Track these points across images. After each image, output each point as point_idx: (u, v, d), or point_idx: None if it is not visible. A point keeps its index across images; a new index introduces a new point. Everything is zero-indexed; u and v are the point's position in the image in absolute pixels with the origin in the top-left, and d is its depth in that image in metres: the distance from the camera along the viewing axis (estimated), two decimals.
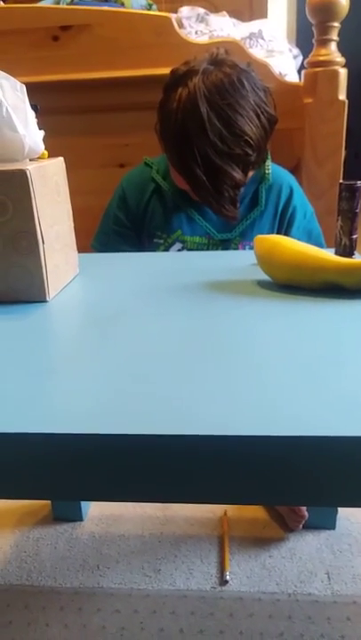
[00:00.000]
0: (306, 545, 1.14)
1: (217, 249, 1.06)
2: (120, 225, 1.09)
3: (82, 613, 1.01)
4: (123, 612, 1.01)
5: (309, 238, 1.08)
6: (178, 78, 0.92)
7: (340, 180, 0.74)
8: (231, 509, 1.24)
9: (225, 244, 1.06)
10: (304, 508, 1.13)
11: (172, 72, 0.94)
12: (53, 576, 1.09)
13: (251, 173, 1.00)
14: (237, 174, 0.93)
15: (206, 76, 0.90)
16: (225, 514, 1.22)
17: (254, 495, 0.39)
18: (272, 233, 1.07)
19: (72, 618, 1.00)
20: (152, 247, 1.08)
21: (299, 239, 0.88)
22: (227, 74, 0.90)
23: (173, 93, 0.92)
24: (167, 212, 1.06)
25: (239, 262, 0.78)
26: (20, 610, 1.02)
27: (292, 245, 0.66)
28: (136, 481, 0.38)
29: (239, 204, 1.03)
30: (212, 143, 0.89)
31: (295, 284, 0.65)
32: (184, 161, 0.93)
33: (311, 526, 1.16)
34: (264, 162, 1.03)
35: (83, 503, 1.23)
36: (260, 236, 0.70)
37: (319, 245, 1.07)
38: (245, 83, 0.90)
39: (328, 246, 1.06)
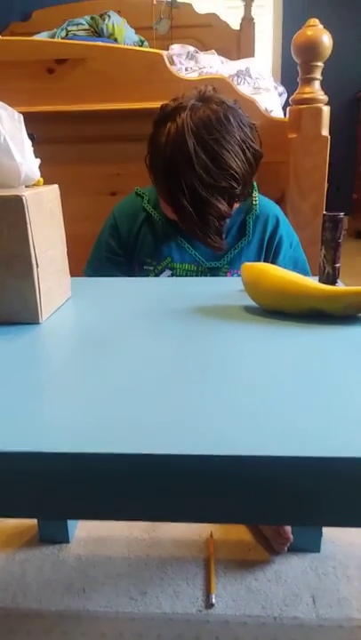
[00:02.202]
0: (291, 568, 1.15)
1: (205, 277, 1.09)
2: (112, 252, 1.13)
3: (67, 637, 1.00)
4: (108, 636, 1.00)
5: (295, 267, 1.12)
6: (167, 114, 0.96)
7: (324, 212, 0.77)
8: (217, 532, 1.24)
9: (213, 272, 1.09)
10: (289, 531, 1.14)
11: (162, 108, 0.99)
12: (39, 599, 1.08)
13: (236, 205, 1.03)
14: (222, 206, 0.96)
15: (194, 111, 0.94)
16: (211, 536, 1.22)
17: (240, 514, 0.40)
18: (259, 261, 1.10)
19: None
20: (142, 274, 1.11)
21: (285, 267, 0.91)
22: (214, 110, 0.94)
23: (163, 128, 0.96)
24: (157, 241, 1.09)
25: (227, 288, 0.81)
26: (4, 634, 1.01)
27: (277, 273, 0.69)
28: (126, 500, 0.39)
29: (226, 235, 1.07)
30: (199, 176, 0.92)
31: (281, 309, 0.68)
32: (172, 192, 0.96)
33: (296, 549, 1.17)
34: (250, 194, 1.07)
35: (69, 525, 1.23)
36: (247, 263, 0.73)
37: (305, 272, 1.11)
38: (231, 119, 0.94)
39: (312, 275, 1.10)
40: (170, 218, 1.05)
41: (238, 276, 1.07)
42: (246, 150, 0.96)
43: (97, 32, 2.19)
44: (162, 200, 1.03)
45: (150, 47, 2.27)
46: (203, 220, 0.96)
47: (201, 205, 0.95)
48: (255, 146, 0.98)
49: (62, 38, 2.12)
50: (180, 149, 0.92)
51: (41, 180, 0.75)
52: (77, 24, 2.19)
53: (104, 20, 2.18)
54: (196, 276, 1.09)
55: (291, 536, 1.14)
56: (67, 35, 2.17)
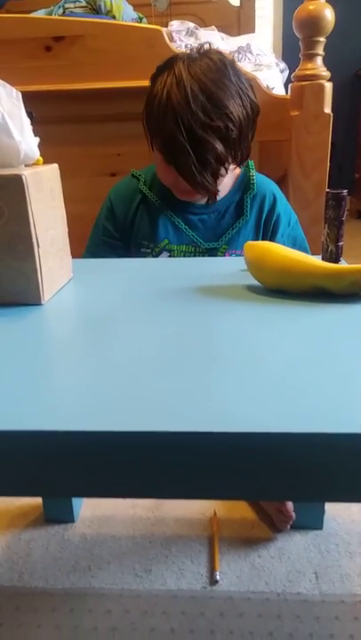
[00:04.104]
0: (294, 545, 1.16)
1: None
2: (109, 236, 1.12)
3: (73, 614, 1.02)
4: (114, 613, 1.02)
5: (294, 245, 1.11)
6: (163, 66, 0.96)
7: (327, 190, 0.76)
8: (220, 510, 1.26)
9: (211, 253, 1.09)
10: (291, 509, 1.15)
11: (157, 66, 0.99)
12: (45, 577, 1.10)
13: (235, 166, 1.01)
14: (219, 146, 0.94)
15: (192, 59, 0.94)
16: (215, 514, 1.24)
17: (245, 491, 0.40)
18: (257, 240, 1.10)
19: (64, 619, 1.01)
20: (140, 256, 1.10)
21: (284, 245, 0.90)
22: (212, 59, 0.94)
23: (160, 78, 0.95)
24: (154, 223, 1.09)
25: (229, 268, 0.81)
26: (12, 611, 1.03)
27: (281, 252, 0.68)
28: (131, 477, 0.39)
29: (223, 215, 1.06)
30: (195, 114, 0.91)
31: (284, 288, 0.67)
32: (168, 133, 0.94)
33: (299, 526, 1.18)
34: (248, 156, 1.04)
35: (74, 504, 1.24)
36: (250, 242, 0.72)
37: (304, 251, 1.10)
38: (229, 68, 0.94)
39: (313, 253, 1.09)
40: (166, 193, 1.05)
41: (237, 256, 1.06)
42: (243, 97, 0.95)
43: (94, 9, 2.14)
44: (158, 163, 1.02)
45: (149, 24, 2.23)
46: (200, 160, 0.94)
47: (198, 144, 0.93)
48: (252, 97, 0.97)
49: (59, 15, 2.09)
50: (177, 90, 0.92)
51: (40, 159, 0.74)
52: (75, 1, 2.15)
53: None
54: (194, 257, 1.09)
55: (293, 514, 1.15)
56: (64, 12, 2.13)
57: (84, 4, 2.12)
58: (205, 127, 0.92)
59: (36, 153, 0.72)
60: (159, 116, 0.95)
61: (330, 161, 1.23)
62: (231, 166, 1.00)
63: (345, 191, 0.75)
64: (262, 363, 0.48)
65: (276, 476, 0.38)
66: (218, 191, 1.02)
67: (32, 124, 0.73)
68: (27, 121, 0.71)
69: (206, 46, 0.98)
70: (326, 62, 1.21)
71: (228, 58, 0.97)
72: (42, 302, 0.67)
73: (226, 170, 0.99)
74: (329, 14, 1.14)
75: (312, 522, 1.19)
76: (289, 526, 1.17)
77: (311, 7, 1.14)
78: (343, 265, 0.65)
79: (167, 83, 0.93)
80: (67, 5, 2.12)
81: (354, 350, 0.50)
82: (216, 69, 0.92)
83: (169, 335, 0.55)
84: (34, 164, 0.73)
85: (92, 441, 0.39)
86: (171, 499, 0.41)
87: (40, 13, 2.11)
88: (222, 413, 0.39)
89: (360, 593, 1.04)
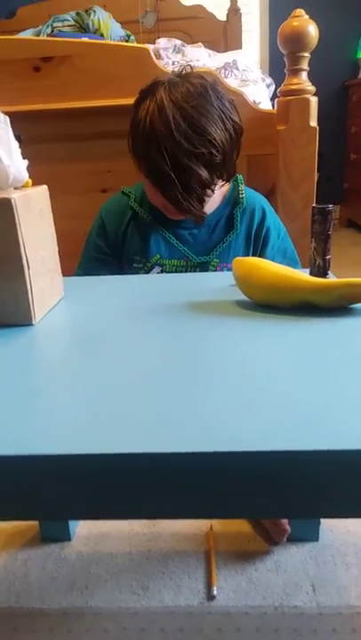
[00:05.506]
0: (290, 557, 1.16)
1: (195, 271, 1.09)
2: (100, 252, 1.13)
3: (71, 634, 1.01)
4: (112, 631, 1.01)
5: (284, 257, 1.12)
6: (145, 92, 0.97)
7: (313, 204, 0.77)
8: (217, 524, 1.25)
9: (203, 267, 1.09)
10: (285, 522, 1.15)
11: (140, 91, 0.99)
12: (42, 597, 1.09)
13: (221, 183, 1.02)
14: (203, 173, 0.95)
15: (173, 85, 0.94)
16: (211, 529, 1.23)
17: (239, 510, 0.40)
18: (248, 254, 1.10)
19: (61, 639, 1.00)
20: (132, 272, 1.11)
21: (274, 258, 0.91)
22: (192, 83, 0.94)
23: (142, 105, 0.96)
24: (145, 238, 1.10)
25: (218, 283, 0.81)
26: (9, 632, 1.02)
27: (269, 267, 0.69)
28: (127, 499, 0.39)
29: (214, 228, 1.07)
30: (178, 142, 0.92)
31: (273, 303, 0.68)
32: (153, 161, 0.95)
33: (295, 539, 1.18)
34: (233, 174, 1.05)
35: (70, 523, 1.24)
36: (238, 258, 0.73)
37: (294, 262, 1.11)
38: (211, 92, 0.95)
39: (302, 267, 1.10)
40: (156, 211, 1.05)
41: (228, 269, 1.07)
42: (226, 121, 0.96)
43: (83, 28, 2.17)
44: (146, 184, 1.03)
45: (137, 41, 2.26)
46: (185, 187, 0.95)
47: (182, 171, 0.94)
48: (235, 118, 0.98)
49: (48, 35, 2.11)
50: (160, 118, 0.92)
51: (29, 181, 0.75)
52: (63, 20, 2.18)
53: (90, 16, 2.17)
54: (186, 271, 1.09)
55: (287, 527, 1.15)
56: (52, 31, 2.15)
57: (72, 22, 2.15)
58: (189, 155, 0.93)
59: (24, 175, 0.73)
60: (143, 144, 0.96)
61: (318, 171, 1.25)
62: (219, 184, 1.01)
63: (330, 206, 0.76)
64: (253, 379, 0.48)
65: (269, 494, 0.39)
66: (205, 214, 1.02)
67: (20, 147, 0.73)
68: (15, 144, 0.72)
69: (188, 69, 0.99)
70: (313, 73, 1.23)
71: (210, 79, 0.97)
72: (33, 322, 0.67)
73: (213, 191, 1.00)
74: (313, 30, 1.16)
75: (308, 534, 1.19)
76: (285, 539, 1.17)
77: (295, 23, 1.16)
78: (331, 279, 0.66)
79: (149, 110, 0.94)
80: (55, 24, 2.15)
81: (343, 365, 0.50)
82: (197, 94, 0.93)
83: (161, 353, 0.55)
84: (23, 187, 0.74)
85: (86, 464, 0.39)
86: (168, 519, 0.41)
87: (28, 33, 2.14)
88: (215, 432, 0.40)
89: (357, 605, 1.04)
